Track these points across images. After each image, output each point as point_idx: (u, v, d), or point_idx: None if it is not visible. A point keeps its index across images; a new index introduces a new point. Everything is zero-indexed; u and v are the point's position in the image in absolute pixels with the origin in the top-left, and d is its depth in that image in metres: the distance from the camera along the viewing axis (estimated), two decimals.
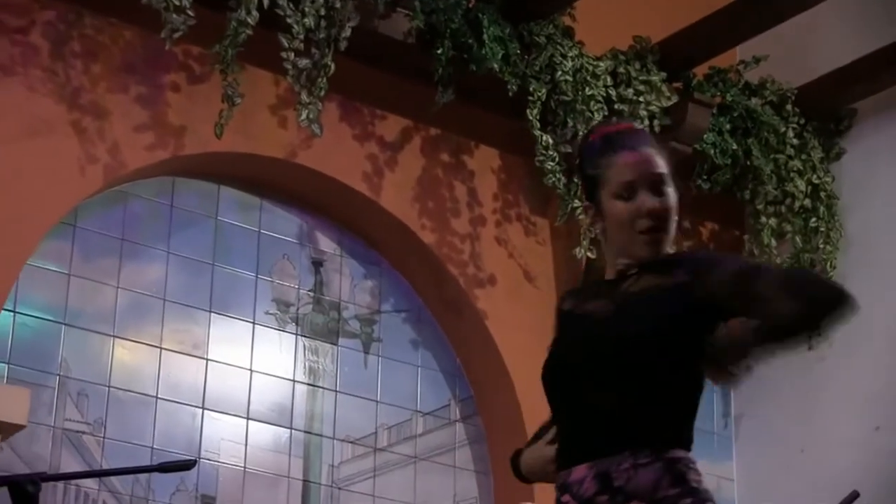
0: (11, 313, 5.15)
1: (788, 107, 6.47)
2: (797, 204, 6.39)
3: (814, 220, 6.42)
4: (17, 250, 5.06)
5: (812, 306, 2.74)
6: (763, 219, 6.36)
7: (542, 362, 6.26)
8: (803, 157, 6.46)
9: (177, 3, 5.03)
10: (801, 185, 6.39)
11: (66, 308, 5.31)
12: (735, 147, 6.31)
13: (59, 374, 5.24)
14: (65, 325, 5.30)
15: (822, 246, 6.41)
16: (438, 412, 6.08)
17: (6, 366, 5.11)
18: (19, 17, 5.21)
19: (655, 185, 2.89)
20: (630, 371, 2.80)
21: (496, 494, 6.04)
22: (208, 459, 5.45)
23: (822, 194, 6.46)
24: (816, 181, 6.45)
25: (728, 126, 6.34)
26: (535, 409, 5.94)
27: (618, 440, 2.77)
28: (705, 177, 6.34)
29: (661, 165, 2.89)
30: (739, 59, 6.52)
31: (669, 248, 2.93)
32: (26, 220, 5.08)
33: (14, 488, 3.23)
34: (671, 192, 2.90)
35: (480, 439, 6.08)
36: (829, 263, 6.39)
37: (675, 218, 2.92)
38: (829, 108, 6.57)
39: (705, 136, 6.23)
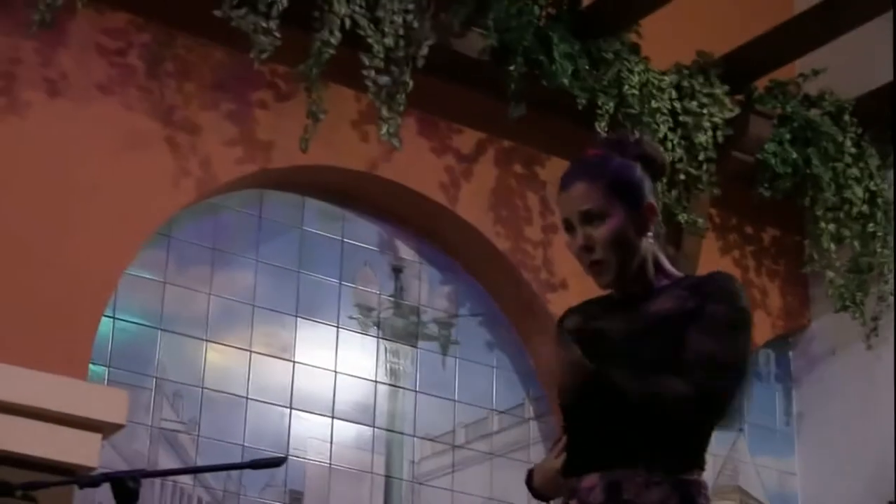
0: (111, 319, 5.16)
1: (846, 117, 6.40)
2: (855, 210, 6.31)
3: (871, 225, 6.34)
4: (115, 260, 5.06)
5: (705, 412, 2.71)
6: (822, 224, 6.29)
7: None
8: (860, 165, 6.38)
9: (264, 25, 5.03)
10: (859, 191, 6.32)
11: (162, 314, 5.32)
12: (795, 156, 6.25)
13: (155, 377, 5.25)
14: (161, 330, 5.31)
15: (879, 250, 6.33)
16: (513, 411, 6.04)
17: (106, 369, 5.13)
18: (117, 40, 5.23)
19: (588, 218, 2.82)
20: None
21: None
22: (296, 457, 5.44)
23: (879, 200, 6.38)
24: (873, 188, 6.38)
25: (788, 136, 6.28)
26: None
27: (633, 455, 2.70)
28: (767, 185, 6.27)
29: (590, 199, 2.82)
30: (799, 72, 6.46)
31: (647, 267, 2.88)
32: (124, 231, 5.08)
33: (117, 484, 3.23)
34: (606, 222, 2.81)
35: (553, 436, 6.02)
36: (886, 267, 6.32)
37: (616, 244, 2.81)
38: (886, 117, 6.46)
39: (766, 145, 6.18)
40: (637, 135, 2.99)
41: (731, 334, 2.75)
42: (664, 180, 5.84)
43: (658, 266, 2.89)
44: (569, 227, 2.87)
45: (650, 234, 2.87)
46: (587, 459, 2.74)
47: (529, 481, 2.95)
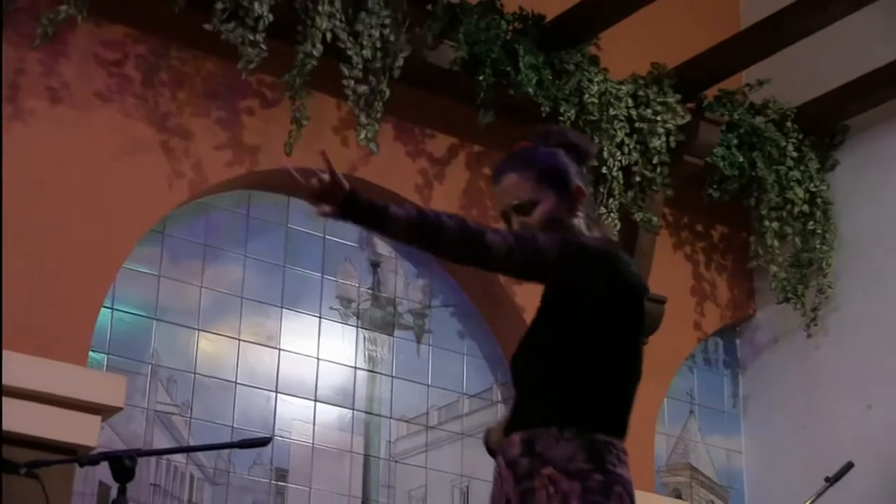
0: (110, 310, 5.14)
1: (788, 124, 6.42)
2: (796, 209, 6.34)
3: (811, 223, 6.37)
4: (113, 255, 5.05)
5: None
6: (767, 223, 6.32)
7: None
8: (802, 168, 6.41)
9: (251, 38, 5.02)
10: (800, 192, 6.34)
11: (157, 305, 5.30)
12: (742, 160, 6.26)
13: (151, 363, 5.23)
14: (156, 320, 5.29)
15: (818, 246, 6.36)
16: (482, 394, 6.04)
17: (105, 356, 5.11)
18: (115, 52, 5.21)
19: (520, 209, 2.86)
20: (558, 359, 2.77)
21: None
22: (281, 437, 5.43)
23: (819, 201, 6.41)
24: (813, 189, 6.40)
25: (735, 141, 6.30)
26: None
27: (548, 415, 2.71)
28: (716, 186, 6.31)
29: (520, 190, 2.84)
30: (745, 82, 6.48)
31: None
32: (121, 228, 5.07)
33: (114, 462, 3.24)
34: (538, 208, 2.83)
35: None
36: (825, 262, 6.35)
37: (548, 226, 2.82)
38: (825, 124, 6.52)
39: (715, 150, 6.19)
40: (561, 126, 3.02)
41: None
42: (622, 181, 5.88)
43: None
44: (506, 219, 2.89)
45: (580, 213, 2.88)
46: (516, 420, 2.78)
47: (487, 441, 2.99)
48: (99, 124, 5.10)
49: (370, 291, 5.89)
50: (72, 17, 4.81)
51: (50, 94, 5.02)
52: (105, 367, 5.08)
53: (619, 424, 2.77)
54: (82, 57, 5.12)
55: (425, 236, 2.63)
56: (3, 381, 4.45)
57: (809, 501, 5.07)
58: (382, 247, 5.96)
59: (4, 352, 4.58)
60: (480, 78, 5.61)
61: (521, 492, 2.68)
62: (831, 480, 5.09)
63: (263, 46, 5.02)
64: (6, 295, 4.72)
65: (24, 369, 4.61)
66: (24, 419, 4.41)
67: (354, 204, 2.66)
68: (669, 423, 6.45)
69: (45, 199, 4.91)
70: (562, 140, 2.95)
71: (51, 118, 5.00)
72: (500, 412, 6.03)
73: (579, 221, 2.88)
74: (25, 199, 4.86)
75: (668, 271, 6.30)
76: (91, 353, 4.98)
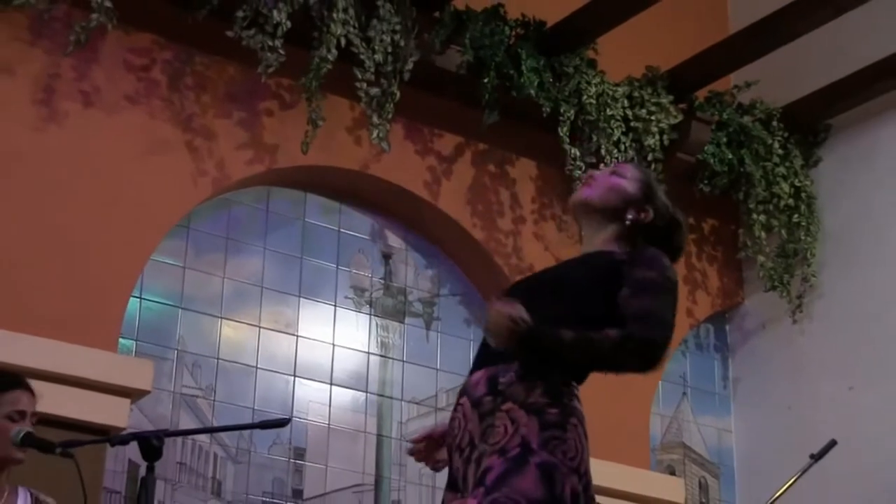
0: (138, 299, 5.16)
1: (774, 123, 6.40)
2: (782, 203, 6.33)
3: (796, 216, 6.36)
4: (141, 248, 5.06)
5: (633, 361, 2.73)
6: (754, 216, 6.31)
7: None
8: (787, 164, 6.39)
9: (270, 43, 5.03)
10: (786, 187, 6.33)
11: (182, 294, 5.31)
12: (731, 157, 6.26)
13: (177, 349, 5.24)
14: (181, 308, 5.30)
15: (803, 238, 6.35)
16: None
17: (134, 342, 5.12)
18: (142, 57, 5.22)
19: (613, 171, 3.03)
20: (531, 303, 2.71)
21: None
22: (299, 418, 5.43)
23: (803, 195, 6.39)
24: (798, 184, 6.39)
25: (725, 139, 6.29)
26: None
27: (513, 355, 2.69)
28: (706, 181, 6.29)
29: (626, 170, 2.98)
30: (734, 84, 6.47)
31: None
32: (149, 223, 5.09)
33: (143, 442, 3.23)
34: (620, 179, 2.94)
35: None
36: (809, 252, 6.34)
37: (611, 189, 2.92)
38: (809, 123, 6.51)
39: (706, 148, 6.18)
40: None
41: (662, 294, 2.77)
42: None
43: (618, 246, 2.90)
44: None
45: (630, 217, 2.90)
46: (480, 359, 2.78)
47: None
48: (128, 125, 5.11)
49: (382, 281, 5.89)
50: (102, 25, 4.82)
51: (82, 97, 5.04)
52: (134, 353, 5.09)
53: (579, 373, 2.76)
54: (112, 62, 5.13)
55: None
56: (41, 367, 4.48)
57: (795, 477, 5.08)
58: (394, 239, 5.97)
59: (41, 339, 4.61)
60: (485, 80, 5.61)
61: (483, 429, 2.66)
62: (815, 457, 5.10)
63: (281, 51, 5.03)
64: (42, 286, 4.74)
65: (58, 355, 4.63)
66: (59, 402, 4.42)
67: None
68: (664, 405, 6.45)
69: (78, 196, 4.92)
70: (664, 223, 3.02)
71: (83, 120, 5.01)
72: None
73: (623, 228, 2.92)
74: (59, 196, 4.88)
75: None
76: (121, 340, 4.99)
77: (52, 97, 4.96)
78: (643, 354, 2.71)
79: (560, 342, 2.67)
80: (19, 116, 4.89)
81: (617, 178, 2.94)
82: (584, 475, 2.62)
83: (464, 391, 2.74)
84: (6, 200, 4.78)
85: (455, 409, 2.77)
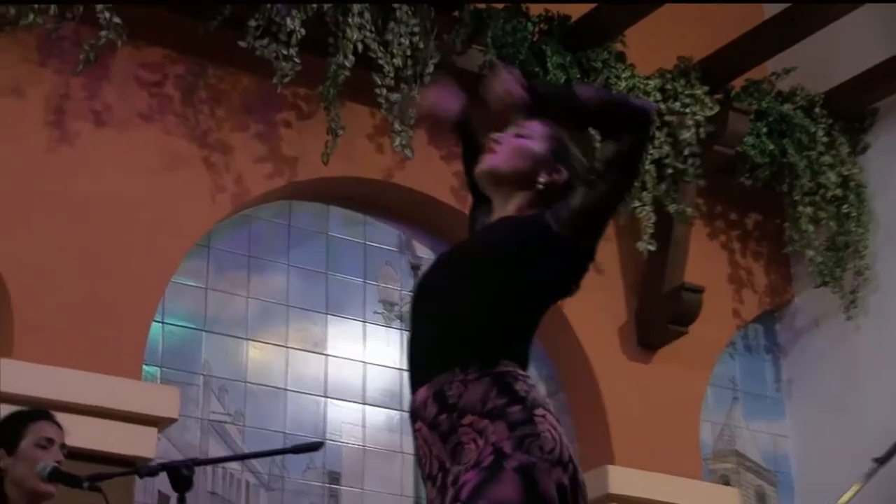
0: (160, 324, 5.23)
1: (817, 110, 6.42)
2: (829, 193, 6.34)
3: (845, 206, 6.36)
4: (161, 270, 5.14)
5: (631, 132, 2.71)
6: (800, 208, 6.31)
7: (613, 343, 6.27)
8: (832, 152, 6.40)
9: (285, 52, 5.10)
10: (833, 177, 6.34)
11: (206, 317, 5.38)
12: (772, 147, 6.27)
13: (202, 374, 5.31)
14: (205, 331, 5.36)
15: (854, 229, 6.35)
16: None
17: (158, 369, 5.20)
18: (154, 73, 5.32)
19: (515, 127, 2.90)
20: (456, 289, 2.67)
21: (581, 460, 6.02)
22: (333, 440, 5.47)
23: (852, 184, 6.40)
24: (846, 173, 6.39)
25: (765, 129, 6.31)
26: (611, 383, 5.97)
27: (448, 360, 2.61)
28: (747, 174, 6.30)
29: (530, 125, 2.85)
30: (771, 71, 6.48)
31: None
32: (168, 243, 5.17)
33: (172, 472, 3.27)
34: (526, 137, 2.83)
35: (564, 412, 6.05)
36: (861, 244, 6.35)
37: (518, 151, 2.83)
38: (854, 108, 6.51)
39: (745, 139, 6.20)
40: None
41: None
42: (654, 174, 5.91)
43: (531, 210, 2.80)
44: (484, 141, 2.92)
45: (543, 181, 2.79)
46: (419, 373, 2.68)
47: None
48: (142, 143, 5.20)
49: (412, 294, 5.91)
50: (112, 42, 4.91)
51: (94, 116, 5.13)
52: (159, 380, 5.17)
53: (517, 353, 2.67)
54: (123, 79, 5.23)
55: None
56: (63, 399, 4.55)
57: (860, 483, 4.99)
58: (422, 249, 6.01)
59: (62, 370, 4.69)
60: None
61: (451, 450, 2.58)
62: (881, 461, 5.02)
63: (297, 60, 5.10)
64: (61, 314, 4.83)
65: (81, 385, 4.72)
66: (85, 434, 4.46)
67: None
68: (714, 411, 6.45)
69: (93, 219, 5.02)
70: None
71: (96, 140, 5.12)
72: None
73: (536, 188, 2.80)
74: (74, 220, 4.98)
75: (704, 261, 6.32)
76: (145, 367, 5.07)
77: (63, 118, 5.06)
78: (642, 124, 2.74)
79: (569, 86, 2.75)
80: (31, 139, 4.99)
81: (523, 139, 2.84)
82: (570, 463, 2.56)
83: (415, 415, 2.65)
84: (20, 226, 4.88)
85: (414, 438, 2.67)
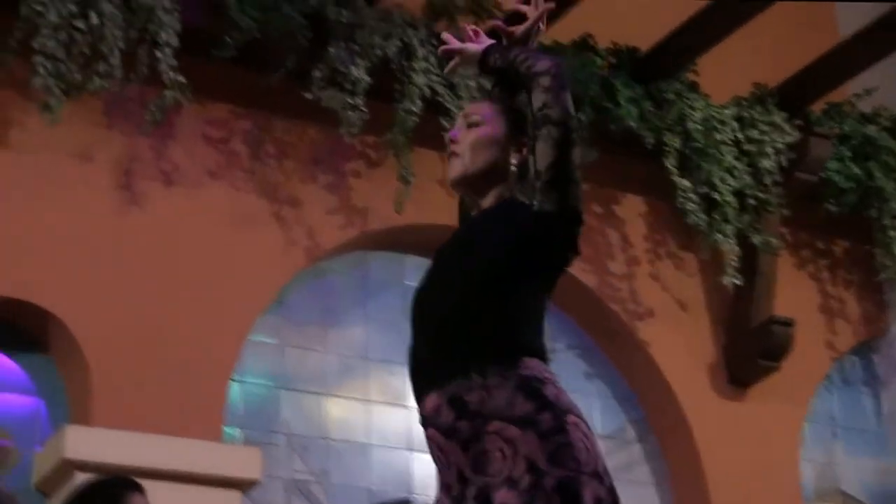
0: (239, 383, 5.28)
1: None
2: None
3: None
4: (237, 329, 5.20)
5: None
6: (891, 233, 6.25)
7: (703, 382, 6.21)
8: None
9: (351, 102, 5.17)
10: None
11: (284, 374, 5.41)
12: (857, 171, 6.23)
13: (284, 433, 5.33)
14: (284, 389, 5.40)
15: None
16: (616, 434, 6.05)
17: (239, 429, 5.24)
18: (221, 129, 5.41)
19: (469, 125, 2.75)
20: (464, 286, 2.57)
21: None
22: (420, 495, 5.44)
23: None
24: None
25: (849, 153, 6.27)
26: (703, 423, 5.92)
27: (464, 365, 2.49)
28: (833, 200, 6.25)
29: (479, 110, 2.75)
30: (852, 93, 6.44)
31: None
32: (242, 301, 5.23)
33: None
34: (480, 127, 2.70)
35: (657, 456, 6.02)
36: None
37: (477, 145, 2.70)
38: None
39: (829, 164, 6.16)
40: None
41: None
42: (736, 205, 5.88)
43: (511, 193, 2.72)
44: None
45: (515, 162, 2.70)
46: (423, 381, 2.57)
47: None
48: (211, 201, 5.28)
49: None
50: (177, 101, 5.01)
51: (163, 176, 5.23)
52: (239, 441, 5.21)
53: (535, 348, 2.55)
54: (190, 137, 5.32)
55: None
56: (145, 465, 4.59)
57: None
58: None
59: (143, 435, 4.74)
60: (580, 116, 5.67)
61: (473, 458, 2.47)
62: None
63: (363, 109, 5.17)
64: (139, 379, 4.89)
65: (162, 450, 4.78)
66: (168, 499, 4.49)
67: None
68: (813, 448, 6.36)
69: (166, 281, 5.09)
70: None
71: (165, 200, 5.21)
72: (635, 451, 6.02)
73: (511, 170, 2.70)
74: (147, 283, 5.06)
75: (792, 292, 6.27)
76: (225, 428, 5.12)
77: (132, 179, 5.16)
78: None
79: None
80: (101, 202, 5.09)
81: (477, 128, 2.73)
82: (606, 475, 2.45)
83: (425, 423, 2.54)
84: (93, 292, 4.97)
85: (429, 446, 2.55)
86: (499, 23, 2.87)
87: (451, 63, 2.89)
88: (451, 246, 2.74)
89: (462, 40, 2.86)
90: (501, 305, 2.55)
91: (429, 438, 2.54)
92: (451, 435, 2.48)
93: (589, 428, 2.49)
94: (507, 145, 2.72)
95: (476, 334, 2.53)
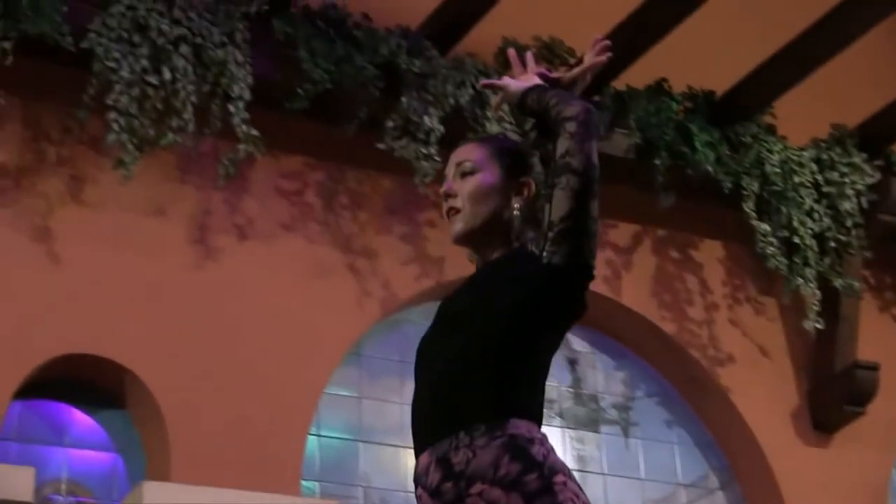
0: (316, 437, 5.25)
1: None
2: None
3: None
4: (313, 382, 5.17)
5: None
6: None
7: (787, 429, 6.10)
8: None
9: (424, 151, 5.15)
10: None
11: (361, 426, 5.38)
12: None
13: (362, 485, 5.30)
14: (362, 442, 5.37)
15: None
16: (699, 483, 5.95)
17: (317, 483, 5.20)
18: (294, 181, 5.40)
19: (461, 172, 2.57)
20: (465, 341, 2.43)
21: None
22: None
23: None
24: None
25: None
26: (788, 471, 5.80)
27: (451, 422, 2.39)
28: None
29: (469, 154, 2.58)
30: None
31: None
32: (318, 354, 5.19)
33: None
34: (476, 176, 2.54)
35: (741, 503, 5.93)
36: None
37: (476, 196, 2.53)
38: None
39: None
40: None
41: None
42: (817, 248, 5.78)
43: (519, 241, 2.57)
44: (445, 179, 2.64)
45: (517, 206, 2.55)
46: (419, 439, 2.48)
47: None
48: (286, 254, 5.27)
49: (570, 390, 5.87)
50: (250, 154, 5.00)
51: (237, 230, 5.23)
52: (318, 495, 5.16)
53: (525, 408, 2.43)
54: (264, 190, 5.32)
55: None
56: None
57: None
58: (578, 342, 5.96)
59: (220, 490, 4.71)
60: (657, 161, 5.62)
61: None
62: None
63: (437, 158, 5.14)
64: (216, 433, 4.87)
65: None
66: None
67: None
68: None
69: (242, 335, 5.07)
70: (539, 144, 2.65)
71: (240, 254, 5.20)
72: (718, 499, 5.93)
73: (514, 216, 2.55)
74: (223, 338, 5.04)
75: (876, 336, 6.14)
76: (303, 482, 5.07)
77: (206, 234, 5.16)
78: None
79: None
80: (176, 257, 5.09)
81: (472, 177, 2.57)
82: None
83: (417, 479, 2.45)
84: (168, 345, 4.95)
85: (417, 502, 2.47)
86: (543, 69, 2.76)
87: (496, 99, 2.79)
88: (456, 299, 2.59)
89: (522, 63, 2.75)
90: (499, 363, 2.43)
91: (417, 498, 2.44)
92: (436, 496, 2.38)
93: (580, 488, 2.36)
94: (507, 189, 2.56)
95: (469, 392, 2.42)
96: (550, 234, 2.46)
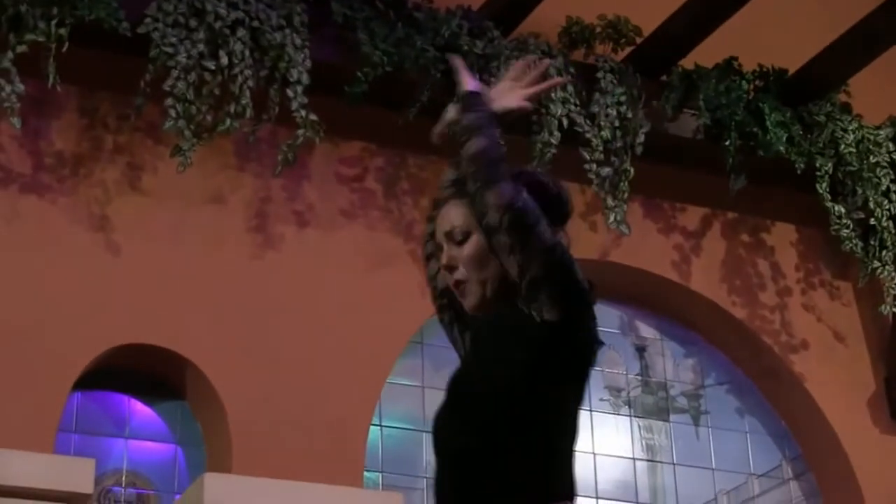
0: (379, 427, 5.18)
1: None
2: None
3: None
4: (376, 371, 5.08)
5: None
6: None
7: (863, 417, 5.96)
8: None
9: None
10: None
11: (424, 417, 5.30)
12: None
13: (425, 476, 5.22)
14: (425, 432, 5.28)
15: None
16: (772, 473, 5.81)
17: (380, 474, 5.13)
18: (354, 167, 5.31)
19: (452, 237, 2.41)
20: (483, 417, 2.30)
21: None
22: None
23: None
24: None
25: None
26: (865, 460, 5.65)
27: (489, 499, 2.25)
28: None
29: (455, 217, 2.41)
30: None
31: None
32: (381, 343, 5.11)
33: None
34: (470, 240, 2.38)
35: (815, 494, 5.78)
36: None
37: (477, 261, 2.38)
38: None
39: None
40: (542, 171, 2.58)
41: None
42: (893, 231, 5.61)
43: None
44: (439, 249, 2.48)
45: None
46: None
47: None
48: (346, 241, 5.18)
49: (639, 378, 5.77)
50: (309, 140, 4.91)
51: (296, 218, 5.14)
52: (381, 486, 5.10)
53: (564, 481, 2.34)
54: (323, 177, 5.23)
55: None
56: None
57: None
58: (646, 330, 5.86)
59: (283, 482, 4.66)
60: (727, 143, 5.48)
61: None
62: None
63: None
64: (278, 425, 4.81)
65: (301, 496, 4.67)
66: None
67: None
68: None
69: (303, 324, 4.99)
70: (528, 180, 2.46)
71: (300, 241, 5.11)
72: (792, 490, 5.81)
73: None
74: (284, 327, 4.95)
75: None
76: (366, 473, 4.99)
77: (265, 221, 5.08)
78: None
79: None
80: (235, 246, 5.01)
81: (468, 242, 2.41)
82: None
83: None
84: (228, 335, 4.88)
85: None
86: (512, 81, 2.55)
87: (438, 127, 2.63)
88: (464, 375, 2.49)
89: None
90: (525, 439, 2.27)
91: None
92: None
93: None
94: (513, 251, 2.33)
95: (501, 478, 2.26)
96: (524, 294, 2.29)
